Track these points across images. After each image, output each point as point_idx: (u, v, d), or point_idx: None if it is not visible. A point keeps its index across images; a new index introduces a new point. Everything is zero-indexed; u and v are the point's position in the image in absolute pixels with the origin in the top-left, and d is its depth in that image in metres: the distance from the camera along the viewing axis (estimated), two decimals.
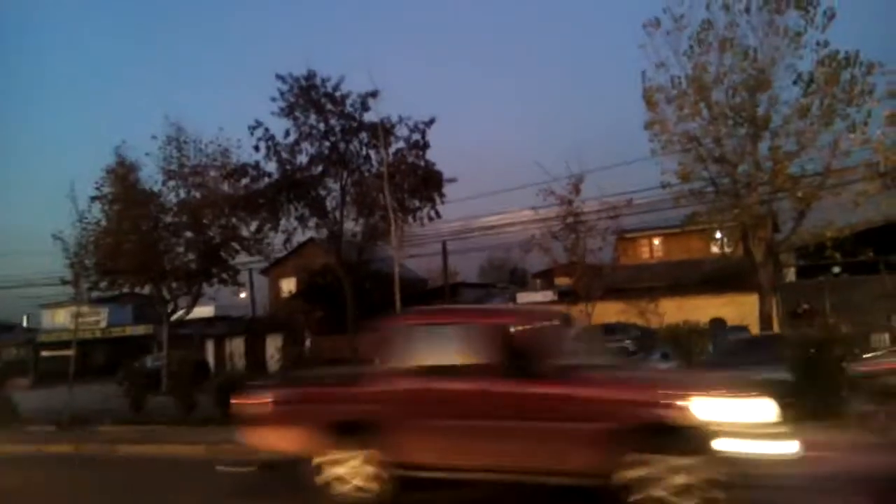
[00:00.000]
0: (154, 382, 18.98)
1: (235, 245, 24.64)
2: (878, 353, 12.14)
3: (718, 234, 18.92)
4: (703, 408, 5.26)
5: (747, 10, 13.39)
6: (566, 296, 23.92)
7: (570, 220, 17.28)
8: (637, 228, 28.02)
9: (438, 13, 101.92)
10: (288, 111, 22.01)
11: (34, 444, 13.14)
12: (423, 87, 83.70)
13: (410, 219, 22.28)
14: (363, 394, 6.64)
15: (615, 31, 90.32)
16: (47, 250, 33.13)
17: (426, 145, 22.39)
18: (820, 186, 13.51)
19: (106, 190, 23.26)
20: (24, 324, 49.93)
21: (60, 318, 41.44)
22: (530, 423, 5.81)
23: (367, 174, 22.60)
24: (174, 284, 24.60)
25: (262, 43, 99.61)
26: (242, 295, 39.21)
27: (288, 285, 44.04)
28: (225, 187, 23.39)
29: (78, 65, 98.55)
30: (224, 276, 25.29)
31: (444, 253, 37.27)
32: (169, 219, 23.93)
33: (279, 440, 7.15)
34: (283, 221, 23.07)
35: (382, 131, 19.77)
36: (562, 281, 27.92)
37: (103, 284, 24.25)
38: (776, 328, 16.92)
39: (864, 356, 11.18)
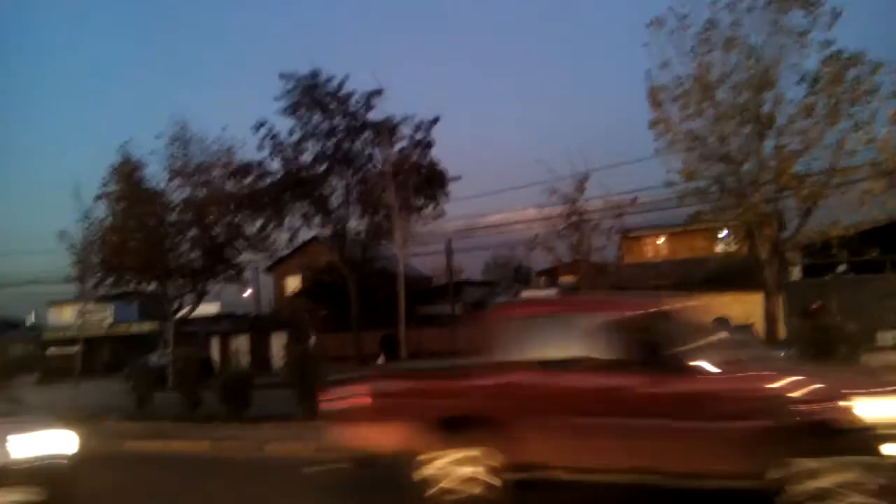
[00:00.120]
0: (159, 379, 19.06)
1: (240, 243, 24.72)
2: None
3: (723, 233, 18.89)
4: (869, 407, 4.86)
5: (752, 9, 13.35)
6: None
7: (574, 218, 17.29)
8: (641, 227, 27.98)
9: (441, 12, 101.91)
10: (292, 110, 22.10)
11: None
12: (427, 86, 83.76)
13: (414, 217, 22.33)
14: (475, 388, 6.19)
15: (620, 30, 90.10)
16: (53, 248, 33.38)
17: (430, 144, 22.46)
18: (825, 185, 13.47)
19: (111, 188, 23.35)
20: (31, 321, 50.17)
21: (66, 315, 41.59)
22: (670, 421, 5.36)
23: (371, 173, 22.65)
24: (179, 282, 24.69)
25: (266, 42, 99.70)
26: (247, 293, 39.31)
27: (292, 283, 44.15)
28: (229, 186, 23.47)
29: (81, 64, 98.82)
30: (229, 273, 25.37)
31: (449, 251, 37.30)
32: (174, 217, 24.02)
33: (377, 437, 6.63)
34: (287, 220, 23.20)
35: (386, 130, 19.82)
36: (566, 279, 27.91)
37: (109, 282, 24.36)
38: (782, 327, 16.90)
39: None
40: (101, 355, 38.09)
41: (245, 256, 25.75)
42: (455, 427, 6.01)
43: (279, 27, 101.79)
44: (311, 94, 22.03)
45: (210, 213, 23.74)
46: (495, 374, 6.10)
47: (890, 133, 12.87)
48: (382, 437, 6.56)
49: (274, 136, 22.25)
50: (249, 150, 22.81)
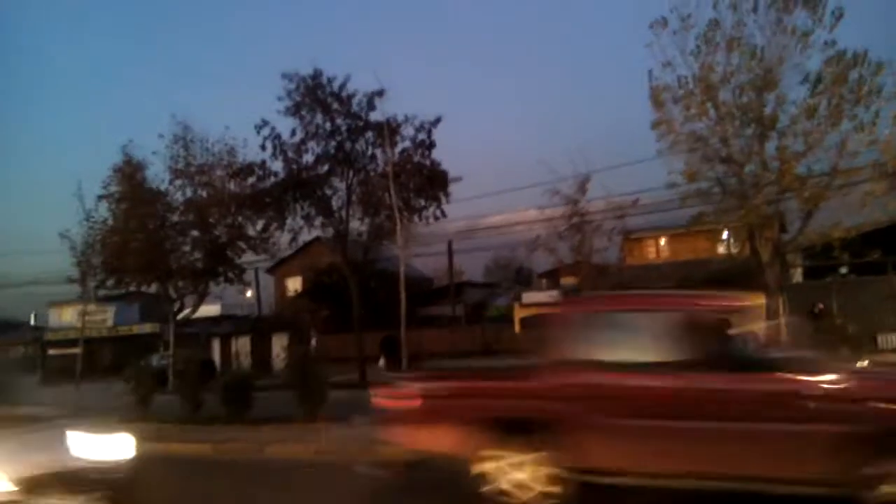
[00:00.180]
0: (160, 381, 19.05)
1: (241, 244, 24.72)
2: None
3: (725, 235, 18.88)
4: None
5: (755, 9, 13.32)
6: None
7: (575, 219, 17.25)
8: (643, 228, 27.96)
9: (442, 12, 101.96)
10: (294, 110, 22.07)
11: None
12: (429, 87, 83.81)
13: (416, 218, 22.31)
14: (536, 389, 5.91)
15: (621, 31, 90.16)
16: (54, 249, 33.44)
17: (432, 145, 22.41)
18: (827, 187, 13.43)
19: (113, 189, 23.37)
20: (32, 322, 50.18)
21: (67, 316, 41.63)
22: (753, 423, 5.15)
23: (372, 173, 22.64)
24: (180, 283, 24.70)
25: (267, 42, 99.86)
26: (248, 294, 39.35)
27: (294, 284, 44.18)
28: (231, 186, 23.47)
29: (83, 64, 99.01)
30: (230, 274, 25.37)
31: (450, 252, 37.33)
32: (175, 218, 24.02)
33: (430, 439, 6.37)
34: (289, 220, 23.14)
35: (388, 131, 19.80)
36: (567, 281, 27.90)
37: (110, 283, 24.39)
38: (784, 329, 16.83)
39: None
40: (102, 356, 38.10)
41: (246, 257, 25.77)
42: (512, 429, 5.79)
43: (281, 27, 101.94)
44: (313, 95, 22.01)
45: (212, 214, 23.75)
46: (557, 375, 5.85)
47: (892, 134, 12.82)
48: (433, 439, 6.33)
49: (276, 137, 22.24)
50: (251, 150, 22.83)
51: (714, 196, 14.50)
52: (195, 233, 24.17)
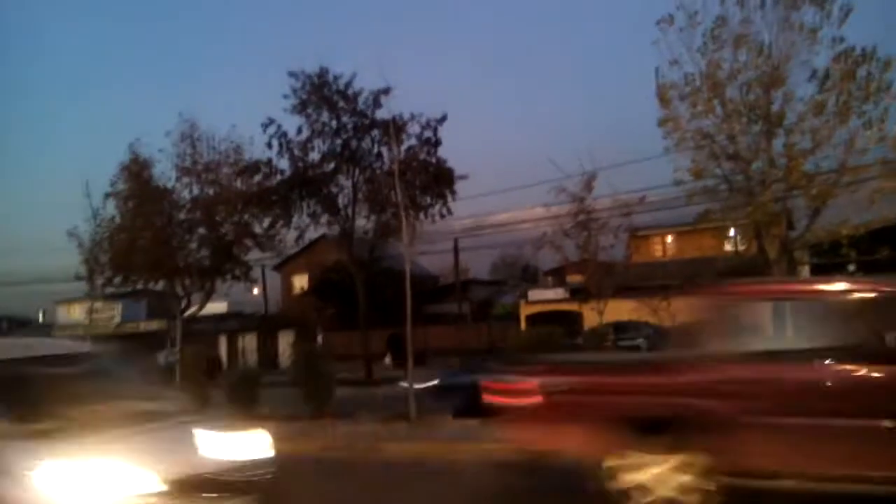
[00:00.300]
0: (167, 378, 19.13)
1: (248, 242, 24.78)
2: None
3: (732, 232, 18.81)
4: None
5: (762, 6, 13.26)
6: (578, 293, 23.88)
7: (582, 217, 17.23)
8: (650, 226, 27.93)
9: (448, 10, 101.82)
10: (300, 108, 22.13)
11: None
12: (434, 85, 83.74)
13: (422, 216, 22.32)
14: (680, 384, 5.42)
15: (628, 28, 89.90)
16: (62, 246, 33.58)
17: (438, 142, 22.42)
18: (835, 184, 13.36)
19: (120, 186, 23.45)
20: (40, 319, 50.49)
21: (75, 313, 41.88)
22: None
23: (378, 171, 22.67)
24: (187, 281, 24.75)
25: (273, 40, 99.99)
26: (255, 291, 39.48)
27: (300, 282, 44.32)
28: (238, 184, 23.53)
29: (89, 63, 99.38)
30: (237, 272, 25.42)
31: (456, 250, 37.34)
32: (182, 215, 24.08)
33: (552, 439, 5.95)
34: (295, 218, 23.23)
35: (394, 128, 19.81)
36: (573, 278, 27.89)
37: (117, 280, 24.48)
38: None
39: None
40: None
41: (253, 255, 25.83)
42: (652, 429, 5.31)
43: (287, 25, 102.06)
44: (319, 93, 22.05)
45: (218, 212, 23.80)
46: (709, 369, 5.34)
47: None
48: (556, 439, 5.91)
49: (282, 135, 22.29)
50: (258, 148, 22.90)
51: (721, 193, 14.45)
52: (202, 230, 24.23)
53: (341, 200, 23.29)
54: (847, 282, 5.89)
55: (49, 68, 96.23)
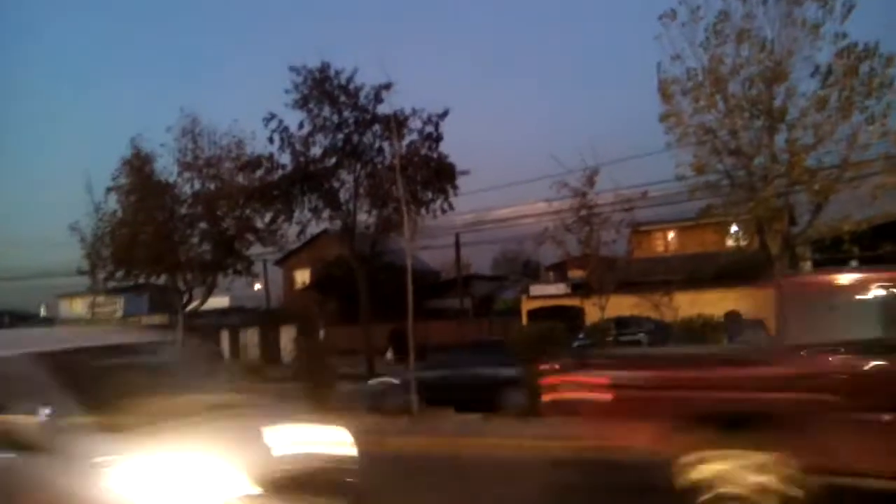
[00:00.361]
0: None
1: (250, 236, 24.83)
2: None
3: (734, 228, 18.82)
4: None
5: (765, 1, 13.24)
6: (579, 288, 23.89)
7: (583, 212, 17.22)
8: (651, 221, 27.91)
9: (449, 5, 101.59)
10: (302, 103, 22.11)
11: None
12: (436, 80, 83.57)
13: (423, 211, 22.33)
14: (764, 378, 5.14)
15: (630, 23, 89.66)
16: (64, 241, 33.64)
17: (439, 137, 22.42)
18: (837, 179, 13.36)
19: (122, 181, 23.52)
20: (42, 313, 50.60)
21: (77, 307, 41.97)
22: None
23: (380, 166, 22.67)
24: (189, 275, 24.83)
25: (274, 36, 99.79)
26: (257, 286, 39.52)
27: (302, 277, 44.36)
28: (239, 179, 23.56)
29: (91, 57, 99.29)
30: (238, 267, 25.49)
31: (457, 245, 37.32)
32: (184, 210, 24.14)
33: (625, 434, 5.69)
34: (296, 213, 23.23)
35: (395, 123, 19.79)
36: (575, 273, 27.89)
37: (119, 275, 24.56)
38: None
39: None
40: None
41: (255, 250, 25.89)
42: (733, 425, 5.05)
43: (288, 20, 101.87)
44: (320, 88, 22.04)
45: (220, 207, 23.85)
46: (800, 362, 5.07)
47: None
48: (629, 435, 5.65)
49: (284, 130, 22.29)
50: (259, 143, 22.90)
51: (723, 189, 14.44)
52: (204, 225, 24.29)
53: (343, 195, 23.32)
54: None
55: (51, 63, 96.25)
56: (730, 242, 24.91)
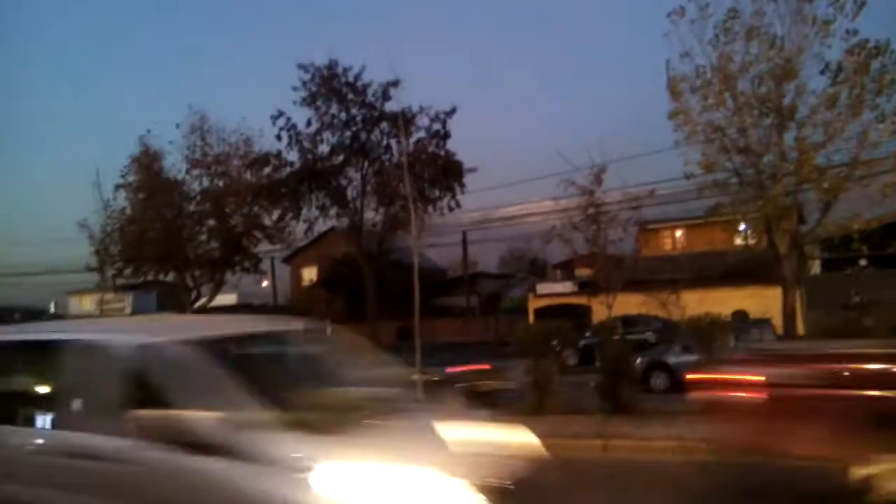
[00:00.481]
0: None
1: (257, 234, 24.91)
2: None
3: (742, 226, 18.74)
4: None
5: None
6: (586, 286, 23.84)
7: (591, 210, 17.16)
8: (659, 219, 27.82)
9: (459, 2, 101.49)
10: (310, 101, 22.16)
11: None
12: (444, 77, 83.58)
13: (430, 209, 22.35)
14: None
15: (639, 20, 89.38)
16: (73, 237, 33.81)
17: (447, 135, 22.43)
18: (847, 178, 13.27)
19: (130, 178, 23.63)
20: (51, 310, 50.90)
21: (86, 304, 42.20)
22: None
23: (387, 164, 22.71)
24: (197, 272, 24.93)
25: (283, 33, 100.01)
26: (264, 283, 39.64)
27: (309, 274, 44.47)
28: (247, 176, 23.64)
29: (100, 54, 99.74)
30: (246, 264, 25.57)
31: (465, 243, 37.31)
32: (192, 207, 24.24)
33: (784, 436, 5.18)
34: (304, 210, 23.32)
35: (403, 121, 19.80)
36: (582, 272, 27.84)
37: (128, 272, 24.69)
38: (800, 322, 16.74)
39: None
40: None
41: (262, 247, 25.97)
42: None
43: (297, 18, 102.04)
44: (328, 85, 22.08)
45: (228, 204, 23.93)
46: None
47: None
48: (783, 439, 5.15)
49: (292, 127, 22.34)
50: (267, 140, 22.98)
51: (731, 187, 14.38)
52: (212, 222, 24.38)
53: (350, 193, 23.37)
54: None
55: (60, 61, 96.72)
56: (738, 241, 24.84)
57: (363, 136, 22.59)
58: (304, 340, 4.74)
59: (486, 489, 3.23)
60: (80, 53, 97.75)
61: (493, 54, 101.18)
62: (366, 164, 22.97)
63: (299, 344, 4.66)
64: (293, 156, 22.57)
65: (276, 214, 23.89)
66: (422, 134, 22.30)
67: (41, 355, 4.06)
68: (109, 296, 29.10)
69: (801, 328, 15.80)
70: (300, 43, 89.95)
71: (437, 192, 22.49)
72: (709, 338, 12.42)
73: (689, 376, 6.12)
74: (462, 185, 22.75)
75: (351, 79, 22.19)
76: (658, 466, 8.16)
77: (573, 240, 17.82)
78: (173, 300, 30.52)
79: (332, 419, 3.44)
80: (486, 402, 7.73)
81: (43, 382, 4.00)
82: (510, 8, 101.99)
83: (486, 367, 13.49)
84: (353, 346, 5.17)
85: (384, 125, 22.52)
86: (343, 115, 22.32)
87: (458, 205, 22.99)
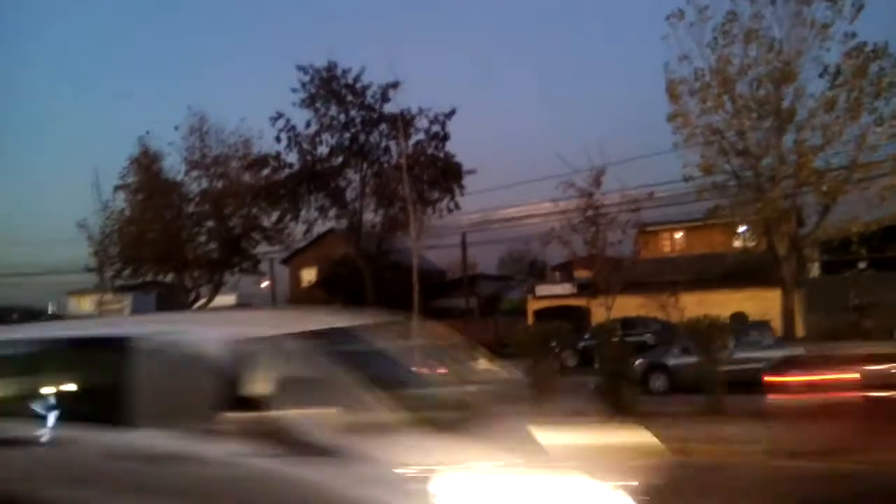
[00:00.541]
0: None
1: (256, 235, 24.90)
2: None
3: (741, 228, 18.77)
4: None
5: (773, 1, 13.20)
6: (585, 288, 23.83)
7: (590, 212, 17.17)
8: (658, 221, 27.80)
9: (458, 4, 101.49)
10: (309, 102, 22.15)
11: None
12: (443, 79, 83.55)
13: (430, 210, 22.34)
14: None
15: (638, 23, 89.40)
16: (72, 238, 33.78)
17: (446, 137, 22.43)
18: (846, 181, 13.31)
19: (130, 179, 23.63)
20: (51, 310, 50.84)
21: (85, 305, 42.15)
22: None
23: (386, 165, 22.70)
24: (196, 273, 24.92)
25: (281, 35, 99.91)
26: (263, 284, 39.58)
27: (308, 275, 44.37)
28: (246, 177, 23.63)
29: (99, 55, 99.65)
30: (245, 265, 25.57)
31: (464, 244, 37.28)
32: (191, 208, 24.24)
33: (875, 437, 4.96)
34: (303, 212, 23.29)
35: (402, 123, 19.81)
36: (581, 274, 27.82)
37: (126, 272, 24.66)
38: (799, 324, 16.74)
39: None
40: None
41: (261, 248, 25.97)
42: None
43: (296, 17, 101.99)
44: (327, 87, 22.09)
45: (227, 205, 23.93)
46: None
47: None
48: (886, 440, 4.83)
49: (291, 129, 22.35)
50: (266, 142, 22.98)
51: (730, 189, 14.42)
52: (211, 223, 24.38)
53: (349, 194, 23.37)
54: None
55: (60, 62, 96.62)
56: (737, 243, 24.88)
57: (362, 137, 22.59)
58: (393, 335, 4.36)
59: (630, 491, 2.95)
60: (80, 53, 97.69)
61: (493, 55, 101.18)
62: (365, 165, 22.97)
63: (390, 338, 4.26)
64: (292, 157, 22.58)
65: (275, 216, 23.88)
66: (421, 136, 22.33)
67: (117, 352, 3.65)
68: (108, 296, 29.08)
69: (800, 330, 15.81)
70: (300, 43, 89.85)
71: (436, 194, 22.49)
72: (708, 340, 12.41)
73: (767, 378, 5.89)
74: (461, 187, 22.76)
75: (350, 80, 22.20)
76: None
77: (572, 242, 17.85)
78: (172, 301, 30.53)
79: (447, 420, 3.11)
80: None
81: (119, 381, 3.59)
82: (510, 9, 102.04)
83: None
84: (441, 340, 4.73)
85: (383, 127, 22.53)
86: (342, 117, 22.33)
87: (457, 206, 23.01)
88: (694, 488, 4.23)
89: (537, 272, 43.99)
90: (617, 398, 11.26)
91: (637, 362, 14.58)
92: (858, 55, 12.74)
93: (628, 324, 22.32)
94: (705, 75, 13.73)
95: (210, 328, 3.72)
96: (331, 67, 22.11)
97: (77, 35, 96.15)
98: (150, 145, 23.71)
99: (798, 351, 10.40)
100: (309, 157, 22.51)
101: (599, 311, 18.47)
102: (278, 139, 22.36)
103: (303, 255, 39.45)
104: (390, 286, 25.61)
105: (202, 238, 24.59)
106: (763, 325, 18.10)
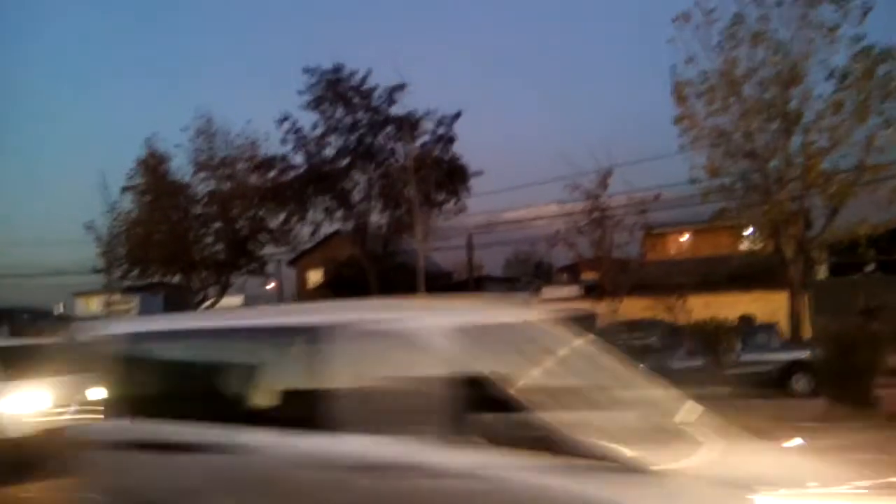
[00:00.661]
0: None
1: (263, 236, 24.95)
2: None
3: (748, 231, 18.71)
4: None
5: (780, 3, 13.16)
6: (592, 291, 23.80)
7: (596, 214, 17.18)
8: (665, 224, 27.71)
9: (463, 5, 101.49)
10: (315, 104, 22.22)
11: None
12: (450, 81, 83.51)
13: (436, 212, 22.36)
14: None
15: (645, 25, 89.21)
16: (80, 239, 33.95)
17: (452, 139, 22.46)
18: (853, 183, 13.26)
19: (137, 181, 23.71)
20: (59, 311, 51.04)
21: (93, 306, 42.30)
22: None
23: (392, 167, 22.72)
24: (203, 274, 24.98)
25: (289, 37, 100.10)
26: (270, 286, 39.66)
27: (314, 276, 44.41)
28: (253, 179, 23.69)
29: (107, 58, 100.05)
30: (252, 266, 25.62)
31: (470, 246, 37.28)
32: (198, 210, 24.31)
33: None
34: (309, 213, 23.37)
35: (408, 125, 19.84)
36: (588, 276, 27.77)
37: (134, 273, 24.75)
38: (807, 326, 16.67)
39: None
40: None
41: (268, 249, 26.01)
42: None
43: (301, 18, 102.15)
44: (334, 89, 22.15)
45: (234, 207, 23.99)
46: None
47: None
48: None
49: (297, 131, 22.43)
50: (273, 144, 23.03)
51: (737, 192, 14.39)
52: (218, 225, 24.44)
53: (355, 196, 23.41)
54: None
55: (66, 64, 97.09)
56: (744, 245, 24.79)
57: (368, 139, 22.64)
58: (548, 331, 3.50)
59: None
60: (81, 53, 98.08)
61: (500, 57, 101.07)
62: (371, 167, 23.01)
63: (548, 335, 3.44)
64: (299, 159, 22.66)
65: (281, 217, 23.93)
66: (427, 138, 22.35)
67: (312, 342, 3.10)
68: (116, 297, 29.20)
69: (807, 333, 15.75)
70: (305, 44, 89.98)
71: (442, 196, 22.51)
72: (714, 342, 12.39)
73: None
74: (467, 189, 22.78)
75: (356, 83, 22.26)
76: None
77: (578, 244, 17.87)
78: (180, 302, 30.63)
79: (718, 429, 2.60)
80: None
81: (316, 376, 3.06)
82: (518, 11, 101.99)
83: None
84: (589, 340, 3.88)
85: (389, 129, 22.57)
86: (348, 119, 22.38)
87: (463, 208, 23.02)
88: None
89: (543, 274, 43.89)
90: None
91: (642, 365, 14.54)
92: (866, 57, 12.70)
93: (634, 326, 22.27)
94: (712, 78, 13.71)
95: (430, 314, 3.13)
96: (337, 69, 22.18)
97: (77, 34, 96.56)
98: (156, 147, 23.82)
99: (805, 354, 10.35)
100: (315, 159, 22.58)
101: (606, 314, 18.45)
102: (284, 141, 22.46)
103: (309, 257, 39.51)
104: (396, 287, 25.61)
105: (209, 239, 24.65)
106: (770, 328, 18.03)
